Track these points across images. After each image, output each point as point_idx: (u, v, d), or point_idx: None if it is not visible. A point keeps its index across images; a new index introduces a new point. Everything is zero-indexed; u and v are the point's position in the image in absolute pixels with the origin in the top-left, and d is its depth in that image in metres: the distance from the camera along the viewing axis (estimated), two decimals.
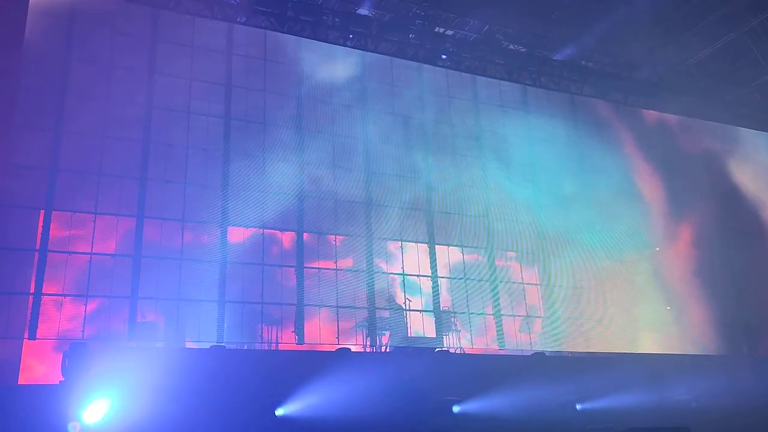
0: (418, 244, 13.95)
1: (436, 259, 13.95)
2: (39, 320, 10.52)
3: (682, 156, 17.78)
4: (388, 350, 13.44)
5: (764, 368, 14.42)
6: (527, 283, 14.74)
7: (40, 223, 10.98)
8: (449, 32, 15.76)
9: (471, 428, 9.63)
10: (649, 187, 16.96)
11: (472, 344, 13.65)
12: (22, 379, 10.87)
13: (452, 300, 13.87)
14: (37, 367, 11.65)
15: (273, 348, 12.47)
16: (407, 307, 13.44)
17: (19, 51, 11.20)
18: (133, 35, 12.57)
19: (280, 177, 13.01)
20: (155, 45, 12.70)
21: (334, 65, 14.34)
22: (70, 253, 11.00)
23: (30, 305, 10.56)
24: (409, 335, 13.31)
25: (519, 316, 14.35)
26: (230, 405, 9.36)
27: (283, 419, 9.86)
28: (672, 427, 7.83)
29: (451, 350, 13.43)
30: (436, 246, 14.08)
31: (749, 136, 18.85)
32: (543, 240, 15.21)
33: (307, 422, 9.64)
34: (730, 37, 16.86)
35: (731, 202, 17.69)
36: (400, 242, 13.76)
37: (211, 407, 9.18)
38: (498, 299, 14.20)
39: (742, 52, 17.21)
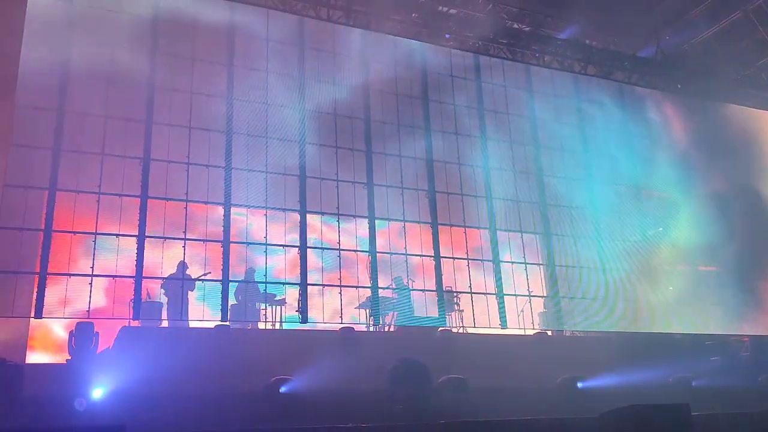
0: (420, 225, 13.98)
1: (438, 239, 13.98)
2: (45, 299, 10.61)
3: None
4: (392, 330, 13.55)
5: (764, 347, 14.48)
6: (530, 263, 14.78)
7: (45, 203, 11.04)
8: (452, 11, 15.64)
9: (475, 406, 9.70)
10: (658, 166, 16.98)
11: (475, 324, 13.72)
12: (29, 358, 11.03)
13: (455, 279, 13.92)
14: (44, 346, 11.82)
15: (277, 327, 12.58)
16: (411, 287, 13.50)
17: (20, 31, 11.20)
18: (134, 15, 12.51)
19: (281, 157, 13.02)
20: (157, 25, 12.64)
21: (336, 45, 14.29)
22: (74, 232, 11.07)
23: (36, 285, 10.66)
24: (413, 315, 13.38)
25: (521, 295, 14.41)
26: (234, 384, 9.46)
27: (288, 397, 9.96)
28: (672, 405, 7.91)
29: (454, 330, 13.53)
30: (439, 226, 14.10)
31: None
32: (545, 219, 15.24)
33: (312, 400, 9.72)
34: (736, 16, 16.72)
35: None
36: (402, 222, 13.79)
37: (215, 386, 9.28)
38: (500, 279, 14.25)
39: (748, 31, 17.09)
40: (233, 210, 12.36)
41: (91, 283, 10.92)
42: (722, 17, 16.86)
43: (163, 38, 12.61)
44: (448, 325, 13.56)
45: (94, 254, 11.08)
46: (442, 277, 13.74)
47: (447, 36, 15.47)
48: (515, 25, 16.28)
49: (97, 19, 12.06)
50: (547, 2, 15.89)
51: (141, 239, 11.47)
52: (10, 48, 11.00)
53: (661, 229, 16.67)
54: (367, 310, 13.09)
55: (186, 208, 11.98)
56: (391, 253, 13.51)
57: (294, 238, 12.77)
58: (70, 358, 9.91)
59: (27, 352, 11.29)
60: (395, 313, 13.45)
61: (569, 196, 15.70)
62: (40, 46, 11.46)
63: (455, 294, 13.91)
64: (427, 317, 13.41)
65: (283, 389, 9.87)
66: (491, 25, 15.70)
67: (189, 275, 11.87)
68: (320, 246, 12.98)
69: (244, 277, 12.34)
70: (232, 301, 12.15)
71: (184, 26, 12.87)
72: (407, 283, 13.47)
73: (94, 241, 11.15)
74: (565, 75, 16.83)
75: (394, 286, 13.39)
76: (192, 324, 11.75)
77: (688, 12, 16.96)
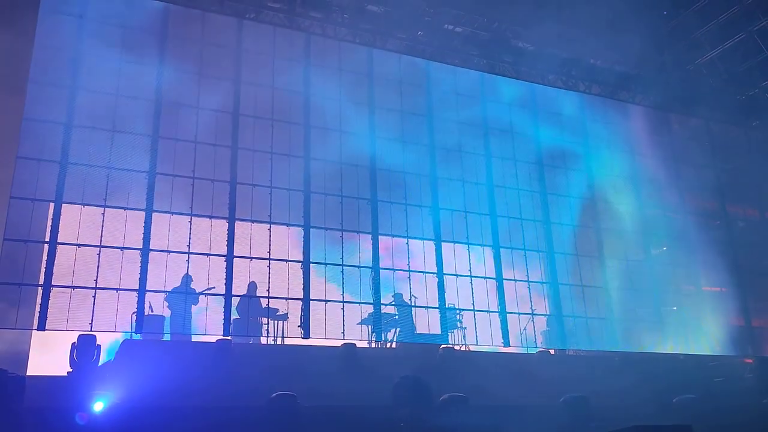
0: (424, 242, 14.00)
1: (441, 256, 13.99)
2: (48, 311, 10.63)
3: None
4: (393, 346, 13.50)
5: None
6: (533, 281, 14.76)
7: (50, 216, 11.10)
8: (458, 29, 15.74)
9: (477, 425, 9.66)
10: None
11: (477, 342, 13.68)
12: (31, 370, 11.01)
13: (458, 297, 13.90)
14: (46, 358, 11.80)
15: (279, 342, 12.56)
16: (413, 304, 13.48)
17: (30, 44, 11.33)
18: (143, 30, 12.64)
19: (286, 173, 13.09)
20: (165, 40, 12.78)
21: (341, 62, 14.39)
22: (79, 245, 11.12)
23: (39, 296, 10.69)
24: (415, 332, 13.35)
25: (524, 314, 14.36)
26: (235, 399, 9.43)
27: (286, 412, 9.92)
28: (674, 426, 7.88)
29: (456, 347, 13.48)
30: (442, 243, 14.12)
31: None
32: (549, 237, 15.24)
33: (312, 417, 9.68)
34: (740, 37, 16.80)
35: None
36: (406, 239, 13.80)
37: (215, 400, 9.26)
38: (503, 296, 14.23)
39: (752, 52, 17.15)
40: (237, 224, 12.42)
41: (94, 296, 10.95)
42: (727, 38, 16.94)
43: (171, 53, 12.73)
44: (450, 342, 13.51)
45: (98, 267, 11.11)
46: (445, 294, 13.73)
47: (452, 54, 15.57)
48: (520, 44, 16.37)
49: (105, 34, 12.20)
50: (552, 21, 15.98)
51: (145, 253, 11.50)
52: (20, 59, 11.12)
53: (665, 248, 16.63)
54: (369, 327, 13.06)
55: (191, 222, 12.03)
56: (394, 270, 13.51)
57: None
58: (71, 370, 9.90)
59: (29, 364, 11.29)
60: (397, 329, 13.42)
61: (572, 214, 15.71)
62: (50, 59, 11.60)
63: (458, 311, 13.88)
64: (430, 334, 13.37)
65: (281, 405, 9.85)
66: (496, 43, 15.81)
67: (193, 288, 11.88)
68: (323, 261, 12.97)
69: (247, 292, 12.34)
70: (234, 315, 12.15)
71: (192, 41, 13.01)
72: (409, 299, 13.45)
73: (99, 254, 11.18)
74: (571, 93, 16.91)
75: (394, 302, 13.37)
76: (195, 338, 11.75)
77: (692, 33, 17.04)
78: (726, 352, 15.67)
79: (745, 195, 18.18)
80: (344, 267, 13.07)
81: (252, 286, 12.38)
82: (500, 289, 14.29)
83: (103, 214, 11.42)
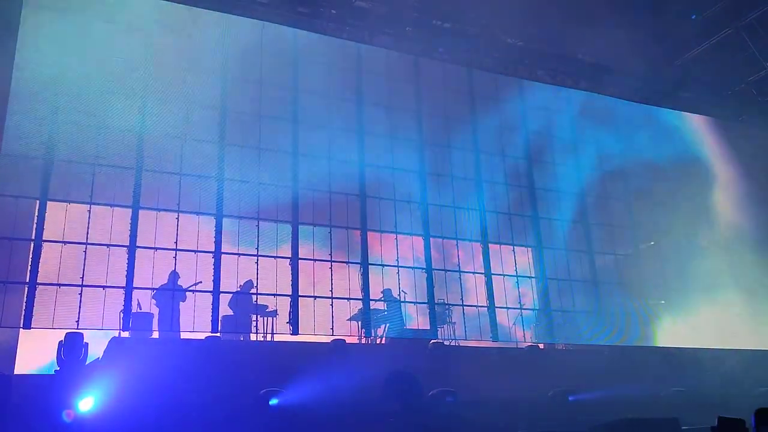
0: (413, 237, 14.00)
1: (430, 251, 14.00)
2: (34, 310, 10.54)
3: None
4: (383, 342, 13.51)
5: (753, 361, 14.50)
6: (521, 276, 14.80)
7: (35, 213, 11.00)
8: (446, 25, 15.73)
9: (466, 419, 9.69)
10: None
11: (466, 337, 13.71)
12: (18, 369, 10.93)
13: (446, 292, 13.91)
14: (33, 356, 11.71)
15: (268, 339, 12.53)
16: (402, 299, 13.49)
17: (14, 38, 11.22)
18: (129, 25, 12.53)
19: (274, 168, 13.03)
20: (151, 36, 12.67)
21: (329, 57, 14.33)
22: (65, 243, 11.02)
23: (25, 295, 10.59)
24: (404, 327, 13.36)
25: (513, 308, 14.41)
26: (225, 395, 9.40)
27: (278, 409, 9.91)
28: (661, 418, 7.94)
29: (446, 342, 13.50)
30: (431, 238, 14.12)
31: None
32: (538, 232, 15.28)
33: (302, 412, 9.68)
34: (727, 32, 16.88)
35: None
36: (395, 234, 13.79)
37: (205, 398, 9.22)
38: (492, 291, 14.25)
39: (739, 47, 17.23)
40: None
41: (81, 294, 10.86)
42: (713, 33, 17.02)
43: (157, 47, 12.63)
44: (439, 337, 13.53)
45: (84, 264, 11.03)
46: (434, 289, 13.74)
47: (440, 50, 15.56)
48: (508, 40, 16.38)
49: (90, 29, 12.08)
50: (539, 17, 15.99)
51: (132, 249, 11.42)
52: (4, 53, 11.00)
53: (652, 243, 16.73)
54: (359, 323, 13.05)
55: (178, 218, 11.96)
56: (383, 265, 13.50)
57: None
58: (58, 368, 9.83)
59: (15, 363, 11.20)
60: (387, 325, 13.42)
61: (561, 208, 15.76)
62: (35, 53, 11.47)
63: (447, 306, 13.89)
64: (419, 329, 13.38)
65: (273, 401, 9.84)
66: (484, 39, 15.81)
67: (180, 285, 11.82)
68: (312, 258, 12.93)
69: (242, 289, 12.28)
70: (225, 311, 12.09)
71: (179, 36, 12.91)
72: (398, 295, 13.45)
73: (85, 252, 11.10)
74: (559, 88, 16.95)
75: (383, 298, 13.38)
76: (183, 335, 11.69)
77: (678, 27, 17.11)
78: (714, 345, 15.77)
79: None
80: (333, 263, 13.03)
81: (249, 284, 12.31)
82: (489, 284, 14.32)
83: (89, 211, 11.32)
